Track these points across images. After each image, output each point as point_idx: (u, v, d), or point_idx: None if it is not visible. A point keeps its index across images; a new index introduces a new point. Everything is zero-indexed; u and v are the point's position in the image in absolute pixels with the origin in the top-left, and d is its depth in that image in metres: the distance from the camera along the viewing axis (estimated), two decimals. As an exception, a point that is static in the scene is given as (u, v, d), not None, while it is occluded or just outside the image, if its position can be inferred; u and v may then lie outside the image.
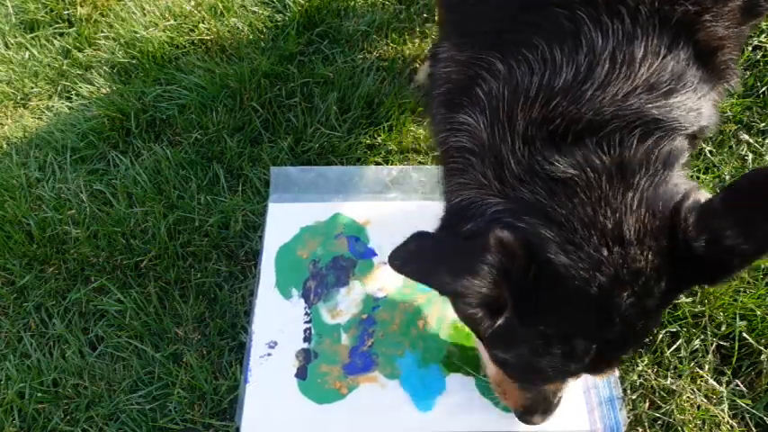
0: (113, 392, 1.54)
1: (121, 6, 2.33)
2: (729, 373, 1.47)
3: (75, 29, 2.31)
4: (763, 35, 1.93)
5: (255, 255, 1.71)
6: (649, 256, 0.92)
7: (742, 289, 1.54)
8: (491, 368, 1.29)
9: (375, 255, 1.70)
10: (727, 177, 1.70)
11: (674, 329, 1.52)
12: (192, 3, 2.26)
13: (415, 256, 0.94)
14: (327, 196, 1.80)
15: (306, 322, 1.60)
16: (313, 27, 2.16)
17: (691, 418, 1.42)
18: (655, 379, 1.47)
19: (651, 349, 1.51)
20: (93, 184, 1.87)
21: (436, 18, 1.25)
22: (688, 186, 0.97)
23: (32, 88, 2.18)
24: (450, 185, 1.10)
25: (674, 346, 1.50)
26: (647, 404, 1.45)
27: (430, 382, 1.50)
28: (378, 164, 1.87)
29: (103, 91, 2.12)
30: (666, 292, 0.96)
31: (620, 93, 0.93)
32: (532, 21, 0.97)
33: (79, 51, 2.24)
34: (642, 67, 0.93)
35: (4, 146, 2.04)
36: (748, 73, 1.88)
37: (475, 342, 1.46)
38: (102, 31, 2.28)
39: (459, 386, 1.49)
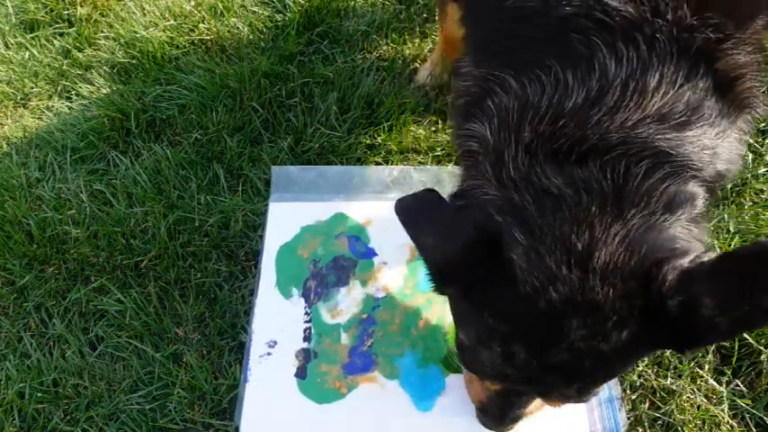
0: (113, 392, 1.54)
1: (121, 6, 2.33)
2: (729, 373, 1.47)
3: (75, 29, 2.31)
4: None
5: (255, 255, 1.71)
6: (610, 293, 0.89)
7: (742, 289, 1.54)
8: None
9: (376, 255, 1.70)
10: (727, 177, 1.70)
11: (674, 329, 1.52)
12: (192, 3, 2.26)
13: (412, 207, 0.99)
14: (328, 196, 1.80)
15: (306, 322, 1.60)
16: (313, 27, 2.16)
17: (691, 418, 1.42)
18: (655, 379, 1.47)
19: (651, 349, 1.51)
20: (93, 184, 1.87)
21: (462, 34, 1.29)
22: (688, 245, 0.91)
23: (32, 88, 2.18)
24: (463, 180, 1.14)
25: (674, 346, 1.50)
26: (647, 404, 1.45)
27: (430, 383, 1.50)
28: (378, 164, 1.87)
29: (103, 91, 2.12)
30: (629, 343, 0.92)
31: (630, 121, 0.91)
32: (548, 43, 0.99)
33: (79, 51, 2.24)
34: (655, 97, 0.92)
35: (4, 146, 2.04)
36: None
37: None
38: (102, 31, 2.28)
39: (459, 386, 1.49)
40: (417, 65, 2.08)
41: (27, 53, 2.26)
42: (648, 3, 0.94)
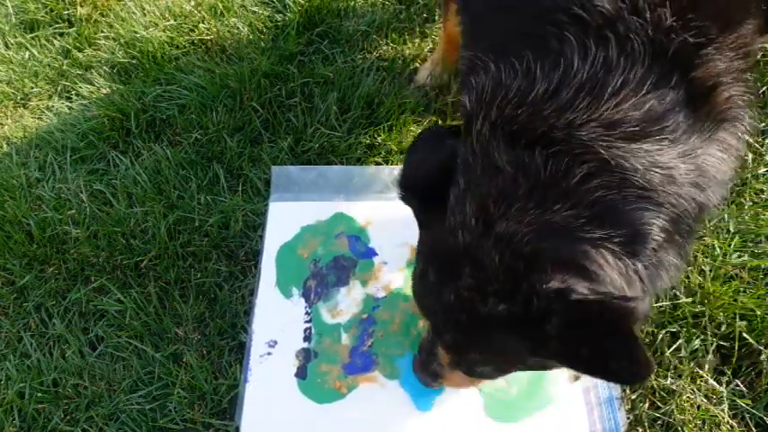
0: (113, 392, 1.54)
1: (121, 6, 2.33)
2: (729, 372, 1.47)
3: (75, 29, 2.31)
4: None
5: (255, 255, 1.71)
6: (496, 260, 0.94)
7: (742, 289, 1.54)
8: None
9: (376, 255, 1.70)
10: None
11: (674, 329, 1.52)
12: (192, 3, 2.26)
13: (427, 135, 1.19)
14: (328, 196, 1.80)
15: (306, 322, 1.60)
16: (313, 27, 2.16)
17: (691, 418, 1.42)
18: (654, 379, 1.47)
19: (651, 349, 1.51)
20: (93, 184, 1.87)
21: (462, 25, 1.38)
22: (599, 273, 0.89)
23: (32, 88, 2.18)
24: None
25: (674, 346, 1.50)
26: (647, 404, 1.45)
27: (430, 382, 1.50)
28: (378, 164, 1.87)
29: (103, 91, 2.12)
30: (504, 318, 0.95)
31: (577, 121, 0.91)
32: (526, 34, 1.00)
33: (79, 51, 2.24)
34: (609, 102, 0.90)
35: (5, 146, 2.04)
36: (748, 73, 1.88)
37: None
38: (102, 31, 2.28)
39: (459, 386, 1.49)
40: (417, 65, 2.08)
41: (27, 53, 2.26)
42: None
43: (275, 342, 1.56)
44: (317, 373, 1.52)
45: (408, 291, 1.63)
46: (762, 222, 1.62)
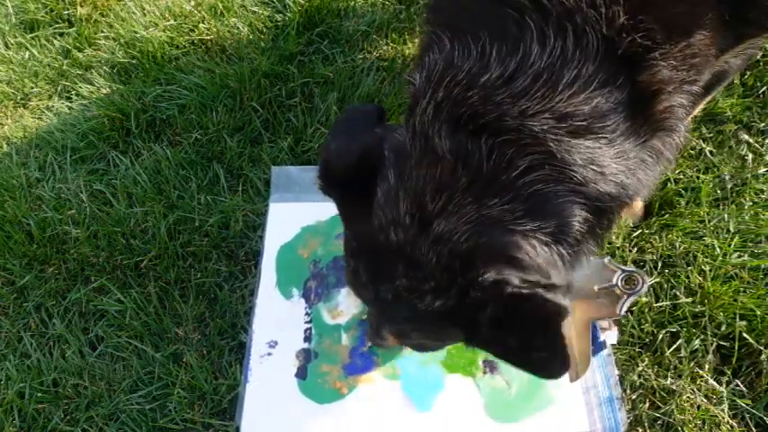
0: (113, 392, 1.54)
1: (121, 6, 2.33)
2: (729, 372, 1.47)
3: (75, 29, 2.31)
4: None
5: (255, 255, 1.71)
6: (433, 261, 0.93)
7: (742, 289, 1.54)
8: None
9: (375, 255, 1.70)
10: (727, 177, 1.70)
11: (674, 329, 1.52)
12: (192, 3, 2.26)
13: (350, 114, 1.18)
14: (328, 196, 1.80)
15: (306, 322, 1.60)
16: (313, 27, 2.16)
17: (691, 418, 1.42)
18: (655, 379, 1.47)
19: (651, 349, 1.51)
20: (93, 184, 1.87)
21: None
22: (530, 262, 0.90)
23: (32, 88, 2.18)
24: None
25: (674, 346, 1.50)
26: (647, 404, 1.45)
27: (429, 383, 1.50)
28: (378, 164, 1.87)
29: (103, 91, 2.12)
30: (442, 314, 0.96)
31: (530, 110, 0.89)
32: (486, 15, 0.97)
33: (79, 51, 2.24)
34: (563, 93, 0.89)
35: (5, 146, 2.04)
36: (748, 73, 1.88)
37: None
38: (102, 31, 2.28)
39: (458, 386, 1.49)
40: (417, 65, 2.08)
41: (27, 53, 2.26)
42: None
43: (275, 342, 1.56)
44: (318, 373, 1.52)
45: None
46: (762, 222, 1.62)
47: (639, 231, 1.66)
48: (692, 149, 1.78)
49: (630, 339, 1.53)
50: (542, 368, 0.92)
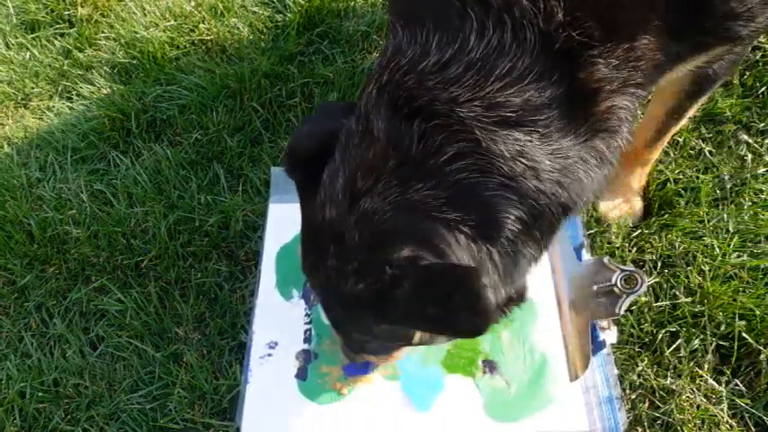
0: (114, 392, 1.54)
1: (122, 7, 2.34)
2: (729, 372, 1.47)
3: (75, 29, 2.31)
4: (762, 36, 1.93)
5: (255, 255, 1.72)
6: (356, 238, 0.95)
7: (741, 289, 1.55)
8: None
9: (375, 255, 1.70)
10: (727, 177, 1.70)
11: (674, 329, 1.52)
12: (193, 3, 2.26)
13: (324, 108, 1.22)
14: (327, 196, 1.80)
15: (306, 323, 1.60)
16: (313, 27, 2.16)
17: (690, 418, 1.42)
18: (654, 379, 1.47)
19: (650, 349, 1.51)
20: (94, 184, 1.87)
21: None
22: (447, 250, 0.91)
23: (33, 88, 2.19)
24: None
25: (674, 346, 1.50)
26: (647, 404, 1.45)
27: (429, 383, 1.50)
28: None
29: (104, 91, 2.13)
30: (365, 298, 0.96)
31: (461, 98, 0.90)
32: (433, 6, 0.98)
33: (80, 52, 2.25)
34: (495, 84, 0.89)
35: (5, 146, 2.04)
36: (747, 73, 1.88)
37: None
38: (102, 32, 2.28)
39: (457, 386, 1.49)
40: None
41: (28, 53, 2.27)
42: None
43: (276, 343, 1.57)
44: (318, 374, 1.52)
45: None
46: (761, 222, 1.62)
47: (639, 231, 1.66)
48: (691, 149, 1.78)
49: (630, 339, 1.53)
50: (464, 328, 0.91)
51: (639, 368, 1.49)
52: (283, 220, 1.75)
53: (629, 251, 1.63)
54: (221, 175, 1.84)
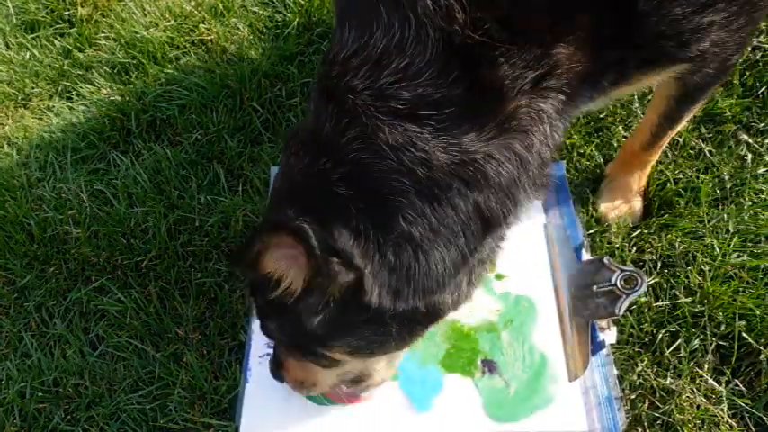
0: (114, 392, 1.54)
1: (122, 7, 2.34)
2: (729, 372, 1.47)
3: (75, 29, 2.31)
4: (762, 36, 1.93)
5: (255, 255, 1.72)
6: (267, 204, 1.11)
7: (741, 289, 1.54)
8: None
9: (375, 255, 1.70)
10: (726, 177, 1.70)
11: (674, 329, 1.52)
12: (193, 3, 2.27)
13: None
14: (327, 196, 1.80)
15: (306, 322, 1.60)
16: (313, 27, 2.16)
17: (690, 418, 1.42)
18: (654, 378, 1.47)
19: (650, 349, 1.51)
20: (94, 184, 1.87)
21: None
22: (324, 216, 0.97)
23: (33, 88, 2.19)
24: None
25: (674, 346, 1.50)
26: (647, 404, 1.45)
27: (428, 383, 1.50)
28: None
29: (104, 91, 2.13)
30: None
31: (358, 87, 0.95)
32: (359, 3, 1.02)
33: (80, 52, 2.25)
34: (388, 77, 0.94)
35: (6, 146, 2.05)
36: (747, 73, 1.88)
37: None
38: (102, 32, 2.28)
39: (457, 386, 1.49)
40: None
41: (28, 53, 2.27)
42: None
43: (275, 342, 1.57)
44: (317, 372, 1.52)
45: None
46: (761, 222, 1.62)
47: (639, 231, 1.66)
48: (691, 149, 1.78)
49: (630, 339, 1.53)
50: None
51: (639, 368, 1.49)
52: (283, 220, 1.75)
53: (629, 251, 1.63)
54: (221, 175, 1.84)
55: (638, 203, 1.71)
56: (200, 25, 2.20)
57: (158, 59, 2.15)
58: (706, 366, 1.48)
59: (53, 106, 2.13)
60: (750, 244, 1.60)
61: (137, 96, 2.04)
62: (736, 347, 1.48)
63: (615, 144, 1.81)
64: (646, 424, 1.43)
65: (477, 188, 0.99)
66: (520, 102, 0.96)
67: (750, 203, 1.66)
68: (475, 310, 1.58)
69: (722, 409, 1.42)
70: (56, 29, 2.33)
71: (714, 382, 1.46)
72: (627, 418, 1.44)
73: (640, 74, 1.13)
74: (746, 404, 1.43)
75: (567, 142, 1.83)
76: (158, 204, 1.79)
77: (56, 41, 2.30)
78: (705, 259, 1.59)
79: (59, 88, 2.18)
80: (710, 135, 1.80)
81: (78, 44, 2.27)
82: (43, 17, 2.35)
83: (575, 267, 1.59)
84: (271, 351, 1.55)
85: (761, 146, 1.76)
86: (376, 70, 0.94)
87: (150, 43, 2.16)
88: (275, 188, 1.13)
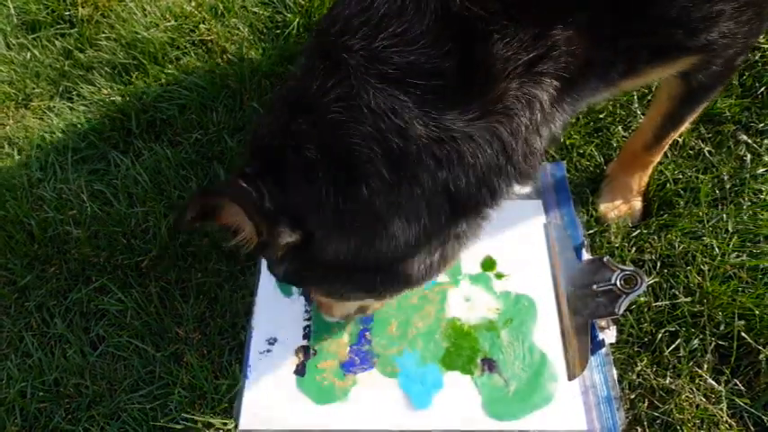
0: (114, 392, 1.55)
1: (122, 7, 2.34)
2: (728, 372, 1.47)
3: (76, 29, 2.31)
4: (762, 36, 1.93)
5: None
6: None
7: (740, 288, 1.55)
8: None
9: (375, 254, 1.70)
10: (726, 177, 1.70)
11: (673, 329, 1.52)
12: (193, 3, 2.27)
13: None
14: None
15: (306, 320, 1.60)
16: (313, 27, 2.16)
17: (689, 418, 1.42)
18: (653, 378, 1.47)
19: (650, 349, 1.52)
20: (94, 185, 1.88)
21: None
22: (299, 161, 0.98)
23: (34, 89, 2.19)
24: None
25: (673, 346, 1.50)
26: (646, 404, 1.46)
27: (428, 381, 1.50)
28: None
29: (104, 91, 2.13)
30: None
31: (354, 47, 0.94)
32: None
33: (80, 52, 2.25)
34: (383, 41, 0.92)
35: (6, 146, 2.05)
36: (747, 73, 1.88)
37: None
38: (103, 32, 2.28)
39: (456, 383, 1.50)
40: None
41: (28, 54, 2.27)
42: None
43: (275, 339, 1.57)
44: (317, 370, 1.53)
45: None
46: (760, 222, 1.62)
47: (638, 231, 1.66)
48: (690, 150, 1.78)
49: (629, 339, 1.53)
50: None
51: (639, 368, 1.49)
52: (283, 220, 1.76)
53: (629, 251, 1.63)
54: (221, 174, 1.85)
55: (637, 203, 1.71)
56: (201, 25, 2.20)
57: (159, 60, 2.15)
58: (705, 366, 1.48)
59: (54, 106, 2.13)
60: (749, 244, 1.61)
61: (137, 96, 2.04)
62: (735, 347, 1.48)
63: (615, 144, 1.82)
64: (645, 423, 1.44)
65: (448, 168, 0.96)
66: (510, 84, 0.94)
67: (749, 203, 1.67)
68: (475, 308, 1.59)
69: (721, 409, 1.43)
70: (56, 29, 2.34)
71: (713, 382, 1.46)
72: (626, 417, 1.44)
73: (649, 67, 1.11)
74: (746, 404, 1.43)
75: (567, 142, 1.83)
76: (158, 204, 1.79)
77: (56, 42, 2.30)
78: (704, 259, 1.59)
79: (60, 88, 2.18)
80: (710, 135, 1.80)
81: (79, 44, 2.27)
82: (44, 17, 2.35)
83: (575, 267, 1.59)
84: (270, 348, 1.56)
85: (760, 146, 1.76)
86: (374, 32, 0.93)
87: (151, 44, 2.16)
88: (248, 140, 1.15)
